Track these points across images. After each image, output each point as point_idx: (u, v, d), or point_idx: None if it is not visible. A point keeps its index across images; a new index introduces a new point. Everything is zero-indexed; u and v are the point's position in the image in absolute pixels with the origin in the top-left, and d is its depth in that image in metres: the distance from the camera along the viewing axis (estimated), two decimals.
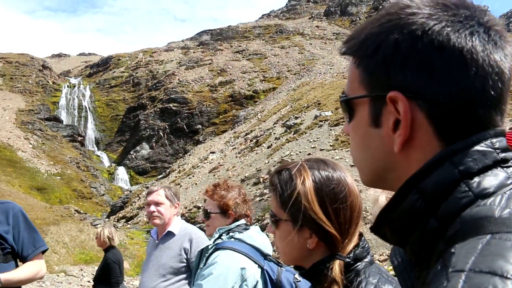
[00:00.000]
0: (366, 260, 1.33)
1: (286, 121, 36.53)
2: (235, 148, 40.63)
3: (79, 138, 66.39)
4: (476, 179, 0.69)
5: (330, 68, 59.29)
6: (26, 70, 79.24)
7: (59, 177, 50.67)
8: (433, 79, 0.71)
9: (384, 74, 0.76)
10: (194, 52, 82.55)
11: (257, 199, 22.38)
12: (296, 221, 1.33)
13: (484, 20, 0.74)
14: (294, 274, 2.52)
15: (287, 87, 57.79)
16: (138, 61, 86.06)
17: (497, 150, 0.71)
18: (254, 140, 37.90)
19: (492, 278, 0.54)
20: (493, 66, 0.71)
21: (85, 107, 75.54)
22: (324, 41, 77.05)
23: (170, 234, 3.49)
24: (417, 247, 0.73)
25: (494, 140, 0.71)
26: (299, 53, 72.80)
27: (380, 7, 78.96)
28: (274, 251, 2.70)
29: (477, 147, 0.70)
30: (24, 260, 2.91)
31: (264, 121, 43.93)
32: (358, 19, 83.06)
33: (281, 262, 2.51)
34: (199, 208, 26.97)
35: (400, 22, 0.74)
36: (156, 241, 3.56)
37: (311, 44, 76.19)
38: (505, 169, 0.70)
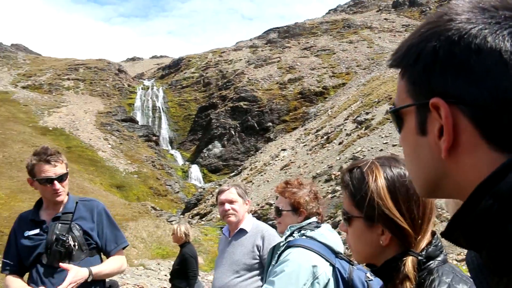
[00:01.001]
0: (439, 258, 1.31)
1: (357, 116, 35.96)
2: (306, 145, 40.47)
3: (154, 138, 68.38)
4: None
5: None
6: (104, 74, 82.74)
7: (136, 175, 52.56)
8: (472, 82, 0.70)
9: (425, 82, 0.77)
10: (262, 51, 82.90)
11: (329, 196, 22.20)
12: (369, 218, 1.34)
13: None
14: (365, 273, 2.50)
15: (357, 82, 56.86)
16: (208, 61, 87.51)
17: None
18: (325, 137, 37.60)
19: None
20: None
21: (159, 107, 77.72)
22: (393, 34, 75.05)
23: (243, 232, 3.54)
24: (495, 253, 0.70)
25: None
26: (368, 47, 71.41)
27: None
28: (346, 248, 2.69)
29: None
30: (107, 255, 3.11)
31: (334, 117, 43.48)
32: (428, 9, 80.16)
33: (353, 260, 2.51)
34: (271, 205, 27.10)
35: (438, 30, 0.75)
36: (229, 238, 3.62)
37: (380, 37, 74.52)
38: None
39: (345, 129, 35.36)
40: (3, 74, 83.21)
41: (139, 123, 72.06)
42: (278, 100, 65.02)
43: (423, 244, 1.32)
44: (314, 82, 65.72)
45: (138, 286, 13.20)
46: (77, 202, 3.09)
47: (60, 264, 2.83)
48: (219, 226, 29.78)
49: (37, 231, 2.98)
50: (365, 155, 24.09)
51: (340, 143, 32.33)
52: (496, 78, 0.69)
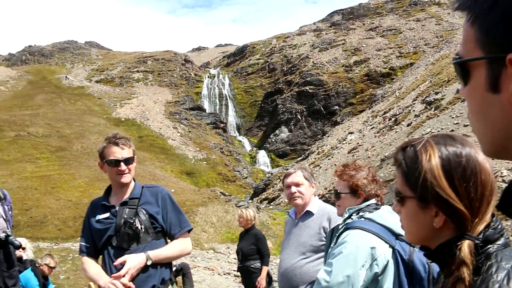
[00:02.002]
0: (499, 242, 1.19)
1: (426, 97, 34.84)
2: (373, 127, 39.78)
3: (221, 125, 69.35)
4: None
5: None
6: (171, 65, 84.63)
7: (205, 162, 53.65)
8: None
9: (503, 33, 0.65)
10: (326, 34, 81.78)
11: (393, 182, 21.80)
12: (423, 198, 1.27)
13: None
14: None
15: (425, 62, 54.99)
16: (272, 47, 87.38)
17: None
18: (392, 119, 36.78)
19: None
20: None
21: (225, 95, 78.61)
22: None
23: (309, 214, 3.57)
24: None
25: None
26: (436, 24, 68.77)
27: None
28: None
29: None
30: (172, 238, 3.25)
31: (402, 99, 42.40)
32: None
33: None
34: None
35: None
36: (295, 221, 3.66)
37: (449, 13, 71.48)
38: None
39: (414, 110, 34.41)
40: (79, 70, 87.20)
41: (207, 111, 73.32)
42: (344, 83, 64.09)
43: (481, 227, 1.22)
44: (380, 63, 64.24)
45: (208, 268, 13.57)
46: (142, 187, 3.27)
47: (115, 263, 3.01)
48: (287, 210, 29.90)
49: (107, 215, 3.20)
50: (394, 152, 23.43)
51: (408, 125, 31.53)
52: None
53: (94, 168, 33.43)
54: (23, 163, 33.44)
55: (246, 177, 54.99)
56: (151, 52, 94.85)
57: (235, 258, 16.02)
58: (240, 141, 70.90)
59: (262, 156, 64.72)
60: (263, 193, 41.29)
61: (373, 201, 2.74)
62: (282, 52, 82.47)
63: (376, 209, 2.66)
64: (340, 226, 2.62)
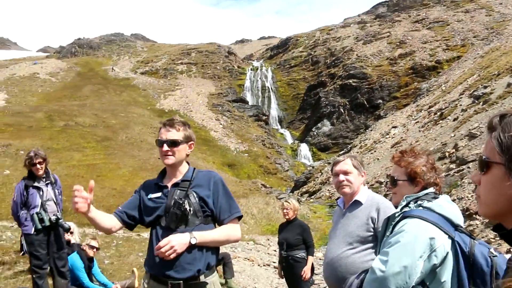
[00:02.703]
0: None
1: (474, 91, 33.87)
2: (418, 122, 39.01)
3: (264, 117, 69.48)
4: None
5: None
6: (214, 57, 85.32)
7: (247, 154, 53.87)
8: None
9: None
10: (371, 26, 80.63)
11: (443, 174, 21.28)
12: None
13: None
14: (489, 249, 2.35)
15: (473, 55, 53.46)
16: (316, 39, 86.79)
17: None
18: (438, 113, 35.96)
19: None
20: None
21: (268, 87, 78.68)
22: None
23: (357, 203, 3.47)
24: None
25: None
26: (486, 15, 66.69)
27: None
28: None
29: None
30: (220, 223, 3.19)
31: (448, 93, 41.37)
32: None
33: (474, 235, 2.35)
34: (381, 183, 26.54)
35: None
36: (343, 210, 3.57)
37: (501, 3, 69.16)
38: None
39: (461, 105, 33.51)
40: (125, 62, 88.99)
41: (249, 103, 73.64)
42: (389, 76, 63.10)
43: None
44: (426, 57, 62.88)
45: (248, 259, 13.59)
46: (194, 169, 3.26)
47: (160, 243, 2.98)
48: (328, 204, 29.73)
49: (159, 194, 3.18)
50: (482, 132, 22.69)
51: (454, 119, 30.73)
52: None
53: (138, 158, 34.05)
54: (71, 151, 34.33)
55: (287, 170, 54.95)
56: (195, 44, 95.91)
57: (275, 250, 16.00)
58: (282, 133, 70.91)
59: (304, 149, 64.59)
60: (304, 186, 41.16)
61: (431, 189, 2.62)
62: (326, 44, 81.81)
63: (435, 198, 2.53)
64: (397, 215, 2.51)
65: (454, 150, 23.55)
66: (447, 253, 2.33)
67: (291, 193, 39.00)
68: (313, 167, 50.63)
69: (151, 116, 57.30)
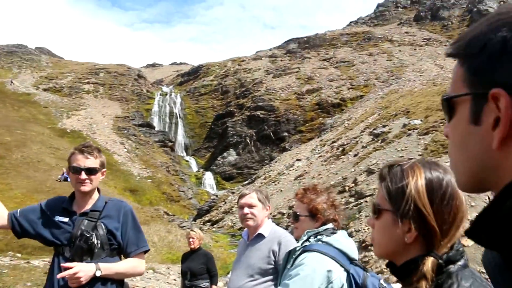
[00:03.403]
0: (459, 263, 1.30)
1: (374, 129, 35.86)
2: (321, 156, 40.43)
3: (170, 144, 68.85)
4: None
5: (420, 75, 57.56)
6: (123, 79, 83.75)
7: (150, 180, 52.86)
8: None
9: (488, 72, 0.75)
10: (281, 60, 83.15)
11: (342, 207, 22.12)
12: (401, 213, 1.34)
13: None
14: (379, 280, 2.53)
15: (375, 95, 56.72)
16: (227, 69, 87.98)
17: None
18: (340, 148, 37.54)
19: None
20: None
21: (176, 114, 78.24)
22: (413, 47, 74.88)
23: (261, 236, 3.54)
24: None
25: None
26: (387, 60, 71.29)
27: (475, 9, 75.44)
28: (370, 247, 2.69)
29: None
30: (127, 256, 3.16)
31: (351, 129, 43.41)
32: (450, 23, 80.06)
33: (367, 267, 2.51)
34: (283, 214, 27.10)
35: (510, 20, 0.73)
36: (247, 242, 3.63)
37: (400, 50, 74.33)
38: None
39: (361, 141, 35.25)
40: (26, 76, 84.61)
41: (156, 129, 72.70)
42: (295, 110, 65.06)
43: (446, 249, 1.32)
44: (332, 94, 65.69)
45: None
46: (106, 202, 3.19)
47: (62, 264, 2.92)
48: (230, 233, 29.86)
49: (66, 219, 3.09)
50: (380, 168, 23.98)
51: (355, 155, 32.24)
52: None
53: (33, 179, 32.26)
54: None
55: (190, 198, 54.61)
56: (104, 64, 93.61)
57: (174, 279, 15.79)
58: (187, 161, 70.51)
59: (208, 178, 64.54)
60: (207, 215, 41.09)
61: (330, 225, 2.76)
62: (236, 75, 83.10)
63: (333, 233, 2.67)
64: (298, 248, 2.61)
65: (353, 184, 24.60)
66: (343, 284, 2.46)
67: (193, 222, 38.73)
68: (216, 196, 50.71)
69: (51, 135, 54.76)
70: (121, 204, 3.25)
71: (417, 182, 1.35)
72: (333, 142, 42.86)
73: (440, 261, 1.29)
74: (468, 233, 0.81)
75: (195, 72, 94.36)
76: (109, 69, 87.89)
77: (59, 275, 2.86)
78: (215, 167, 65.67)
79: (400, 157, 25.69)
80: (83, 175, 3.07)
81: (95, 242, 2.99)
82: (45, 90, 77.43)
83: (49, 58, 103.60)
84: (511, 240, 0.71)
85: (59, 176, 33.38)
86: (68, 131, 59.55)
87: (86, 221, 3.06)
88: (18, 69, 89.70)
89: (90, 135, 60.00)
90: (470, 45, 0.79)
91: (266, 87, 72.70)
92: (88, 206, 3.15)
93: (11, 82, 77.19)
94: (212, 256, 7.41)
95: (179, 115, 78.23)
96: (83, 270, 2.85)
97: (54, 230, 3.07)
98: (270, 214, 3.71)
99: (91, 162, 3.12)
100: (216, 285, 7.19)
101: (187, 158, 71.67)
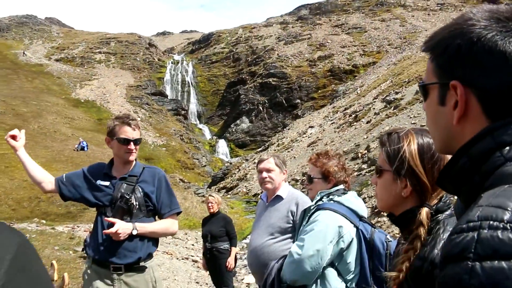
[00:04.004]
0: (446, 212, 1.57)
1: (386, 96, 35.74)
2: (333, 123, 40.47)
3: (183, 112, 69.16)
4: (508, 148, 0.95)
5: None
6: (135, 48, 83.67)
7: (165, 148, 53.35)
8: (483, 74, 0.98)
9: (449, 68, 1.04)
10: (293, 27, 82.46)
11: (355, 173, 22.34)
12: (398, 172, 1.65)
13: None
14: (386, 235, 2.86)
15: (387, 61, 56.18)
16: (238, 37, 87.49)
17: None
18: (353, 115, 37.53)
19: (496, 209, 0.81)
20: None
21: (188, 82, 78.36)
22: (427, 13, 73.78)
23: (279, 198, 3.84)
24: (467, 196, 1.01)
25: None
26: (400, 26, 70.43)
27: None
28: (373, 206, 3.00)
29: None
30: (161, 217, 3.53)
31: (363, 96, 43.25)
32: None
33: (374, 224, 2.83)
34: (297, 181, 27.39)
35: (463, 31, 1.01)
36: (266, 204, 3.93)
37: (413, 16, 73.27)
38: None
39: (374, 108, 35.21)
40: (38, 47, 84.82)
41: (169, 97, 72.90)
42: (307, 77, 64.84)
43: (435, 200, 1.61)
44: (344, 60, 65.27)
45: (167, 253, 13.76)
46: (143, 168, 3.55)
47: (105, 218, 3.30)
48: (245, 200, 30.26)
49: (107, 183, 3.46)
50: (381, 135, 24.08)
51: (368, 122, 32.29)
52: (501, 73, 0.96)
53: (51, 149, 32.81)
54: None
55: (204, 165, 55.12)
56: (115, 33, 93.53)
57: (192, 245, 16.31)
58: (200, 129, 70.88)
59: (222, 146, 64.98)
60: (221, 182, 41.51)
61: (341, 186, 3.07)
62: (248, 42, 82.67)
63: (344, 193, 2.99)
64: (312, 207, 2.92)
65: (366, 151, 24.74)
66: (352, 239, 2.80)
67: (208, 189, 39.19)
68: (230, 163, 51.10)
69: (66, 105, 55.30)
70: (155, 170, 3.60)
71: (411, 146, 1.66)
72: (346, 109, 42.81)
73: (431, 210, 1.58)
74: (437, 183, 1.11)
75: (206, 40, 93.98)
76: (120, 38, 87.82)
77: (104, 232, 3.23)
78: (228, 134, 66.03)
79: (412, 124, 25.81)
80: (132, 146, 3.45)
81: (134, 203, 3.35)
82: (57, 60, 77.79)
83: (59, 29, 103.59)
84: (463, 187, 1.02)
85: (76, 146, 33.94)
86: (82, 101, 60.06)
87: (125, 184, 3.41)
88: (30, 40, 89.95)
89: (104, 104, 60.49)
90: (437, 46, 1.08)
91: (277, 54, 72.36)
92: (127, 172, 3.50)
93: (24, 53, 77.58)
94: (230, 220, 7.75)
95: (191, 83, 78.33)
96: (122, 227, 3.22)
97: (97, 193, 3.43)
98: (284, 180, 4.00)
99: (137, 134, 3.50)
100: (235, 246, 7.55)
101: (200, 126, 72.07)
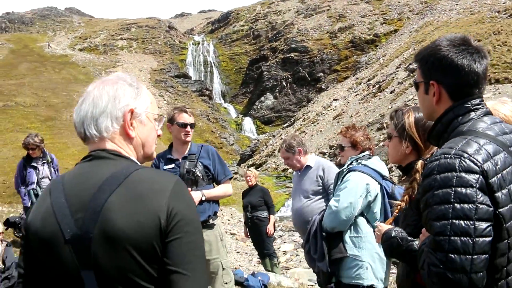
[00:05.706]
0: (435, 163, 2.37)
1: (409, 64, 35.73)
2: (357, 94, 40.66)
3: (207, 92, 69.87)
4: (461, 117, 1.74)
5: (456, 4, 55.52)
6: (155, 32, 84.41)
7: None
8: (447, 76, 1.76)
9: (428, 73, 1.82)
10: (311, 0, 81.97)
11: (381, 144, 22.78)
12: (402, 136, 2.50)
13: (473, 47, 1.76)
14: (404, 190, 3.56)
15: (409, 29, 55.57)
16: (257, 13, 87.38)
17: (472, 105, 1.75)
18: (376, 86, 37.66)
19: (449, 149, 1.60)
20: (472, 71, 1.72)
21: (210, 62, 78.92)
22: None
23: (308, 167, 4.67)
24: (441, 145, 1.74)
25: (472, 101, 1.75)
26: None
27: None
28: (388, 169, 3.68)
29: (464, 104, 1.75)
30: (218, 183, 4.45)
31: (386, 66, 43.17)
32: None
33: (394, 181, 3.51)
34: (324, 154, 27.94)
35: (434, 51, 1.79)
36: (299, 174, 4.76)
37: None
38: (474, 112, 1.74)
39: (397, 78, 35.31)
40: (61, 38, 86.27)
41: (192, 79, 73.59)
42: (329, 49, 64.76)
43: (428, 155, 2.42)
44: (365, 30, 64.90)
45: None
46: (201, 146, 4.45)
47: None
48: (275, 175, 30.95)
49: (172, 166, 4.34)
50: (416, 103, 24.32)
51: (392, 92, 32.50)
52: (456, 76, 1.74)
53: None
54: (14, 132, 33.71)
55: (232, 144, 55.98)
56: (134, 19, 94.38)
57: (228, 220, 17.25)
58: (225, 108, 71.59)
59: (248, 123, 65.69)
60: (250, 159, 42.18)
61: (367, 152, 3.77)
62: (267, 18, 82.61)
63: (369, 158, 3.69)
64: (344, 170, 3.62)
65: None
66: (377, 193, 3.50)
67: (238, 166, 39.96)
68: (258, 140, 51.74)
69: None
70: (208, 147, 4.52)
71: (409, 119, 2.50)
72: (369, 79, 42.85)
73: (425, 162, 2.26)
74: (426, 140, 1.98)
75: (225, 19, 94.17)
76: (140, 23, 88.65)
77: None
78: (253, 112, 66.65)
79: None
80: (189, 128, 4.33)
81: (199, 175, 4.24)
82: (80, 50, 79.11)
83: (80, 18, 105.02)
84: (440, 140, 1.80)
85: None
86: None
87: (188, 162, 4.30)
88: (53, 32, 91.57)
89: None
90: (421, 60, 1.86)
91: (298, 28, 72.24)
92: (186, 152, 4.38)
93: (49, 45, 79.11)
94: (268, 191, 8.58)
95: (213, 63, 78.91)
96: (194, 196, 4.06)
97: None
98: (312, 153, 4.86)
99: (192, 119, 4.42)
100: (273, 214, 8.41)
101: (225, 105, 72.81)
